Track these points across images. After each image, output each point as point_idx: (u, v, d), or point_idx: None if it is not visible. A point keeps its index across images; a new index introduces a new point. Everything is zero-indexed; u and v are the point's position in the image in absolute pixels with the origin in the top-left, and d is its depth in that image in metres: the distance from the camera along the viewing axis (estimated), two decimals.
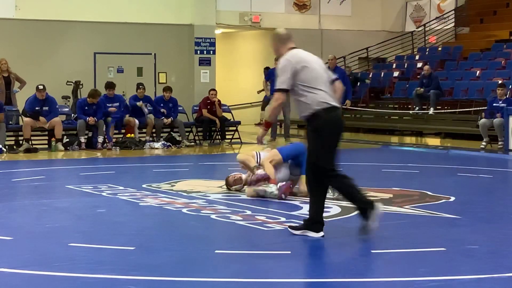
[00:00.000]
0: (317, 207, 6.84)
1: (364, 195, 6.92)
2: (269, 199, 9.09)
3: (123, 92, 19.88)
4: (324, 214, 8.03)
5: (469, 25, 25.58)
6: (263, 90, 25.24)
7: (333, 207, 8.58)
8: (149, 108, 17.55)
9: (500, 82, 17.74)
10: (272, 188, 9.14)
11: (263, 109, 25.05)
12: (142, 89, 17.52)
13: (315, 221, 6.85)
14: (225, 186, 9.91)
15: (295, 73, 6.84)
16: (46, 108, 16.26)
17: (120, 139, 16.83)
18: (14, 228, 7.59)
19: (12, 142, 16.39)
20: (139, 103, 17.25)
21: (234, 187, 9.77)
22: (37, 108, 16.19)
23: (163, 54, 22.20)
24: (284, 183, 9.23)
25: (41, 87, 16.23)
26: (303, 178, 9.41)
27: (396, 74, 23.57)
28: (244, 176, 9.74)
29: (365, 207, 6.78)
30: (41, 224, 7.71)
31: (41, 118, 16.06)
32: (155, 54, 22.14)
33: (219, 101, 18.22)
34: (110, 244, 6.65)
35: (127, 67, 21.76)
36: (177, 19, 22.31)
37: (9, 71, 17.09)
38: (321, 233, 6.80)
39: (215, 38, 22.74)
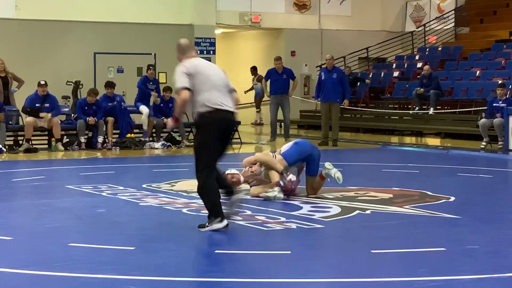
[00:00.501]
0: (213, 199, 7.23)
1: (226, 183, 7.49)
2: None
3: (123, 92, 19.89)
4: (324, 214, 8.07)
5: (469, 25, 25.59)
6: (251, 89, 25.23)
7: (333, 207, 8.59)
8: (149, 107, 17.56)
9: (500, 82, 17.74)
10: (275, 192, 9.06)
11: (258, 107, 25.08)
12: (152, 69, 17.55)
13: (215, 213, 7.18)
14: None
15: (190, 77, 7.33)
16: (47, 105, 16.24)
17: (120, 139, 16.81)
18: (14, 228, 7.59)
19: (12, 143, 16.37)
20: (154, 99, 17.22)
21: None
22: (37, 104, 16.18)
23: (163, 54, 22.19)
24: (295, 179, 9.17)
25: (42, 82, 16.25)
26: (310, 179, 9.43)
27: (396, 74, 23.58)
28: (242, 178, 9.66)
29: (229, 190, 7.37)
30: (41, 224, 7.71)
31: (42, 114, 16.00)
32: (155, 54, 22.15)
33: None
34: (110, 244, 6.65)
35: (127, 67, 21.77)
36: (177, 19, 22.33)
37: (6, 71, 17.07)
38: (225, 222, 7.12)
39: (215, 38, 22.76)
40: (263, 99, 24.62)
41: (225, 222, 7.13)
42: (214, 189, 7.25)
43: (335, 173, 9.33)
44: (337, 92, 17.25)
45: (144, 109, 17.13)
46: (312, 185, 9.43)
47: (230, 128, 7.52)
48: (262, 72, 19.87)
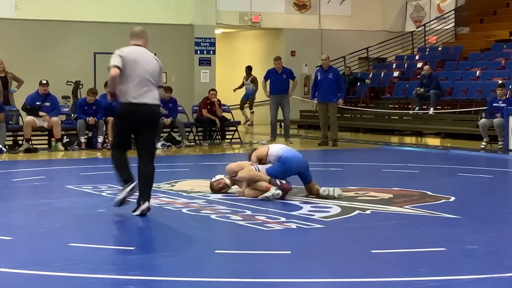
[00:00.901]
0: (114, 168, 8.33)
1: (129, 171, 8.19)
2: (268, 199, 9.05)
3: None
4: (324, 214, 8.08)
5: (469, 25, 25.59)
6: (240, 87, 25.09)
7: (333, 207, 8.59)
8: None
9: (500, 82, 17.75)
10: (272, 190, 9.04)
11: (251, 108, 24.97)
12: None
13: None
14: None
15: (122, 59, 8.08)
16: (47, 104, 16.24)
17: None
18: (14, 228, 7.59)
19: (11, 142, 16.37)
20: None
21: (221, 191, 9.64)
22: (38, 103, 16.17)
23: (163, 54, 22.15)
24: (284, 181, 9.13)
25: (44, 81, 16.27)
26: (306, 187, 9.40)
27: (396, 74, 23.57)
28: (228, 181, 9.63)
29: (127, 179, 8.11)
30: (41, 224, 7.71)
31: (41, 113, 16.00)
32: (155, 54, 22.02)
33: (219, 101, 18.22)
34: (110, 244, 6.66)
35: None
36: (177, 19, 22.32)
37: (6, 71, 17.08)
38: (130, 185, 8.06)
39: (215, 38, 22.74)
40: (255, 100, 24.60)
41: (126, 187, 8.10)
42: (115, 160, 8.29)
43: (334, 191, 9.25)
44: (333, 92, 17.30)
45: None
46: (311, 191, 9.37)
47: (140, 119, 8.10)
48: (261, 72, 19.86)
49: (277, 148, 9.49)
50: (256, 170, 9.31)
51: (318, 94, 17.39)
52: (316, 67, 24.92)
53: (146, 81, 8.11)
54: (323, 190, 9.23)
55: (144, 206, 7.97)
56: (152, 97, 8.13)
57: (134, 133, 8.21)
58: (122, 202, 8.10)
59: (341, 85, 17.60)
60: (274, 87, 18.24)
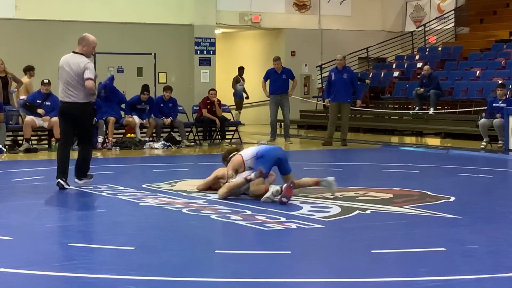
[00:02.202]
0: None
1: (66, 167, 10.07)
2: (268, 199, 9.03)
3: (123, 91, 19.87)
4: (324, 214, 8.08)
5: (469, 25, 25.59)
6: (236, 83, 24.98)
7: (333, 207, 8.58)
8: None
9: (500, 82, 17.74)
10: (270, 190, 9.00)
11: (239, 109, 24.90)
12: (146, 94, 17.30)
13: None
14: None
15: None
16: (48, 103, 16.22)
17: (120, 139, 16.82)
18: (14, 228, 7.59)
19: (11, 142, 16.37)
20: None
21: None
22: (38, 101, 16.17)
23: (163, 54, 22.20)
24: (285, 185, 9.05)
25: (46, 81, 16.26)
26: (285, 178, 9.37)
27: (396, 74, 23.58)
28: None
29: (63, 172, 9.99)
30: (41, 224, 7.71)
31: (39, 110, 15.95)
32: (155, 54, 22.14)
33: (219, 101, 18.22)
34: (110, 244, 6.65)
35: (127, 67, 21.76)
36: (177, 19, 22.32)
37: (6, 71, 17.07)
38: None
39: (215, 38, 22.75)
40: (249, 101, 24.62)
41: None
42: (59, 154, 10.15)
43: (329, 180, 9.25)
44: (348, 92, 17.33)
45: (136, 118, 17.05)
46: (292, 180, 9.26)
47: (70, 114, 10.07)
48: (261, 72, 19.82)
49: (250, 151, 9.48)
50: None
51: (332, 94, 17.40)
52: (316, 67, 25.03)
53: (71, 81, 9.99)
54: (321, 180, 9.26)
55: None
56: (75, 96, 10.01)
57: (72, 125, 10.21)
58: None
59: (356, 86, 17.67)
60: (274, 87, 18.24)
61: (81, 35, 10.29)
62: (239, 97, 24.70)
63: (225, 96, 21.99)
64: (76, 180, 10.18)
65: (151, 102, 17.55)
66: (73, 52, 10.14)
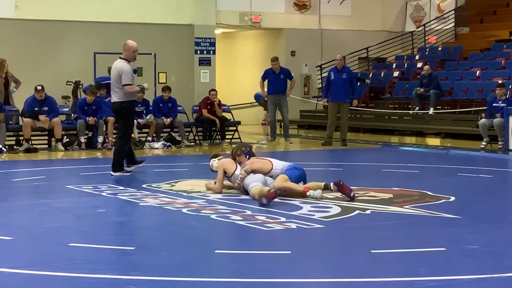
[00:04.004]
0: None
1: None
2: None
3: None
4: (324, 214, 8.08)
5: (469, 25, 25.59)
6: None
7: (333, 207, 8.59)
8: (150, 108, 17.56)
9: (499, 82, 17.74)
10: (311, 192, 9.11)
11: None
12: (142, 94, 17.25)
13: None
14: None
15: None
16: (46, 108, 16.22)
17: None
18: (14, 228, 7.59)
19: (12, 142, 16.37)
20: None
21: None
22: (36, 108, 16.15)
23: (163, 54, 22.20)
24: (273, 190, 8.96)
25: (39, 87, 16.13)
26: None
27: (396, 74, 23.58)
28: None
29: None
30: (41, 224, 7.71)
31: (41, 116, 15.98)
32: (155, 54, 22.14)
33: (219, 101, 18.22)
34: (110, 244, 6.65)
35: None
36: (177, 19, 22.32)
37: (7, 71, 17.07)
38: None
39: (215, 38, 22.75)
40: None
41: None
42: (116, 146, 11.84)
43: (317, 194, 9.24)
44: (346, 92, 17.34)
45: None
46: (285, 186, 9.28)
47: (113, 111, 11.94)
48: (261, 72, 19.80)
49: (280, 164, 9.56)
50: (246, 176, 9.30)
51: (331, 94, 17.40)
52: (316, 67, 25.03)
53: (112, 85, 11.55)
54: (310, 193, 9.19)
55: None
56: (113, 96, 11.57)
57: None
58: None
59: (354, 85, 17.67)
60: (272, 87, 18.26)
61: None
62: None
63: (225, 96, 21.98)
64: (115, 173, 11.55)
65: (147, 104, 17.54)
66: (120, 57, 11.61)
